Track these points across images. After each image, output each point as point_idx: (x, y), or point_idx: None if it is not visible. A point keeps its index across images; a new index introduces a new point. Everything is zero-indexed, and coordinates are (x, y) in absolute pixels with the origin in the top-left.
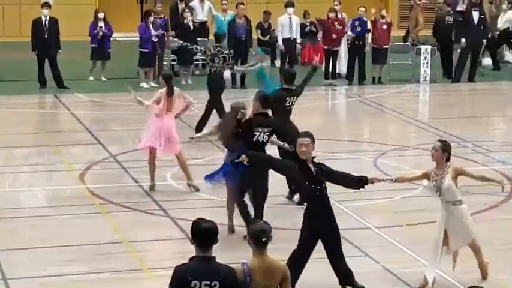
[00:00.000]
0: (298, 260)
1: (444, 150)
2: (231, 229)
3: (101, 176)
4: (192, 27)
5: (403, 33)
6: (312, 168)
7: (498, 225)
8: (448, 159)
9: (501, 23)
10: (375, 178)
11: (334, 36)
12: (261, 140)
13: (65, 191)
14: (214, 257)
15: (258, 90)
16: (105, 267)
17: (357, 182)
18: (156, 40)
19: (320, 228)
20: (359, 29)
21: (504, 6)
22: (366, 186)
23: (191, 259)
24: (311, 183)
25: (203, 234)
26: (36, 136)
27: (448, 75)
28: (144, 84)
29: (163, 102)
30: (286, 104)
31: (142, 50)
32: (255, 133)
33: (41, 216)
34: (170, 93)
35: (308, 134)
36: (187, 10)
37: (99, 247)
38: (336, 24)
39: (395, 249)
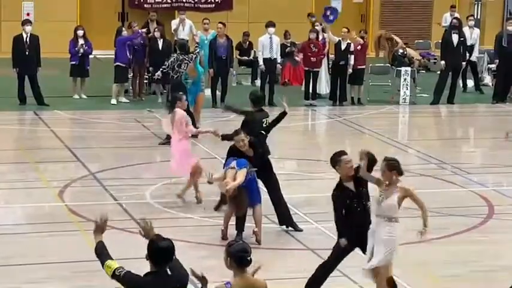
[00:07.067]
0: None
1: (391, 169)
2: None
3: (79, 193)
4: (160, 46)
5: (380, 54)
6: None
7: (476, 246)
8: (399, 174)
9: (473, 41)
10: None
11: (312, 58)
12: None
13: (43, 208)
14: (170, 274)
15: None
16: (83, 285)
17: None
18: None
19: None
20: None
21: (470, 23)
22: None
23: (146, 275)
24: None
25: (161, 253)
26: (15, 153)
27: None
28: (113, 101)
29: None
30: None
31: (118, 64)
32: None
33: (19, 234)
34: None
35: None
36: (156, 29)
37: (77, 265)
38: (311, 46)
39: None
